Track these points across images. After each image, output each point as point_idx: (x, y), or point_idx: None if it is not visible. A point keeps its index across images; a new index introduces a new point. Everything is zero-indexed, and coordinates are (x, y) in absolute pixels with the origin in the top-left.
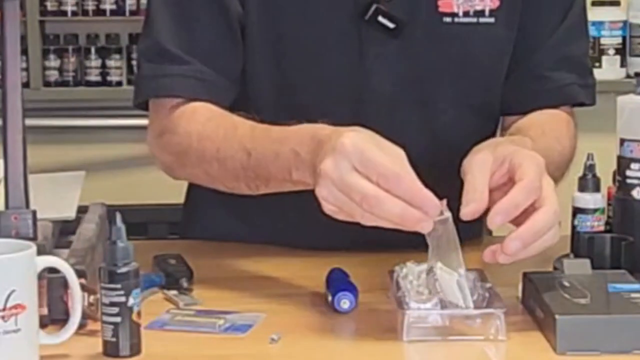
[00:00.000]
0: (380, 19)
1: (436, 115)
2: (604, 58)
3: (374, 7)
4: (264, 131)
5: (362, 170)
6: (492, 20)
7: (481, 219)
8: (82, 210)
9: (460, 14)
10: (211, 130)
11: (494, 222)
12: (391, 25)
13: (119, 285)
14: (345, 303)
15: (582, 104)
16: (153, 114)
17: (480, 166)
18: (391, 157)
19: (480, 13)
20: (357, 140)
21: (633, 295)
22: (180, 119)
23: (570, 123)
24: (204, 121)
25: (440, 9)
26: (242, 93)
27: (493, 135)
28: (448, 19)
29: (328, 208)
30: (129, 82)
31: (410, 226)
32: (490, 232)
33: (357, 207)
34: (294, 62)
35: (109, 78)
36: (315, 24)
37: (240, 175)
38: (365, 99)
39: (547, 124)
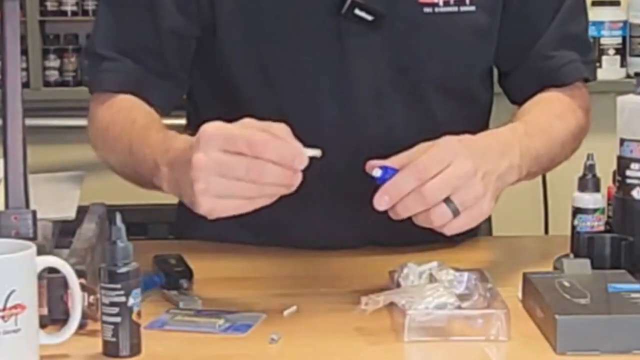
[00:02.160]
0: (358, 12)
1: (422, 104)
2: (604, 58)
3: (349, 0)
4: (148, 132)
5: (230, 149)
6: (472, 8)
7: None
8: (82, 210)
9: (441, 3)
10: (116, 122)
11: (379, 203)
12: (369, 17)
13: (119, 285)
14: (377, 172)
15: (586, 80)
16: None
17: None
18: (273, 130)
19: (460, 2)
20: (217, 125)
21: (633, 295)
22: (99, 108)
23: (575, 99)
24: (114, 112)
25: (421, 0)
26: (232, 97)
27: (484, 121)
28: (429, 9)
29: (207, 202)
30: None
31: (288, 165)
32: (490, 233)
33: (236, 184)
34: (276, 61)
35: None
36: (293, 22)
37: (126, 168)
38: (350, 92)
39: (544, 103)
